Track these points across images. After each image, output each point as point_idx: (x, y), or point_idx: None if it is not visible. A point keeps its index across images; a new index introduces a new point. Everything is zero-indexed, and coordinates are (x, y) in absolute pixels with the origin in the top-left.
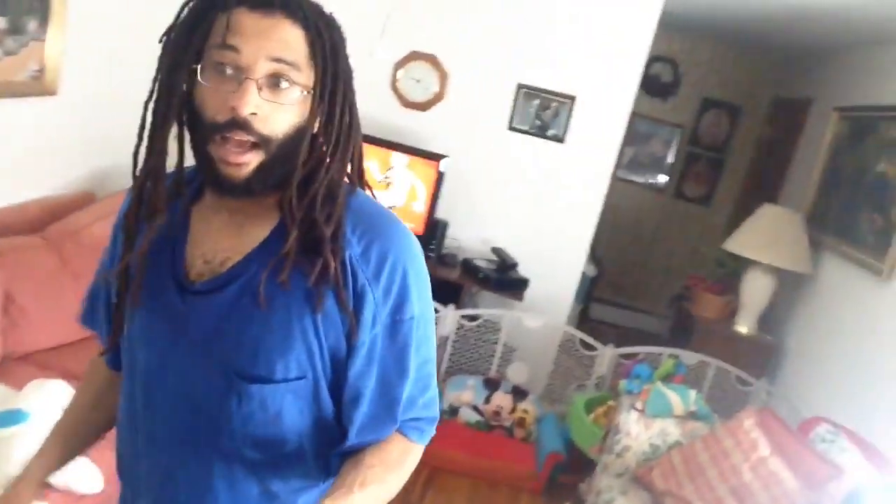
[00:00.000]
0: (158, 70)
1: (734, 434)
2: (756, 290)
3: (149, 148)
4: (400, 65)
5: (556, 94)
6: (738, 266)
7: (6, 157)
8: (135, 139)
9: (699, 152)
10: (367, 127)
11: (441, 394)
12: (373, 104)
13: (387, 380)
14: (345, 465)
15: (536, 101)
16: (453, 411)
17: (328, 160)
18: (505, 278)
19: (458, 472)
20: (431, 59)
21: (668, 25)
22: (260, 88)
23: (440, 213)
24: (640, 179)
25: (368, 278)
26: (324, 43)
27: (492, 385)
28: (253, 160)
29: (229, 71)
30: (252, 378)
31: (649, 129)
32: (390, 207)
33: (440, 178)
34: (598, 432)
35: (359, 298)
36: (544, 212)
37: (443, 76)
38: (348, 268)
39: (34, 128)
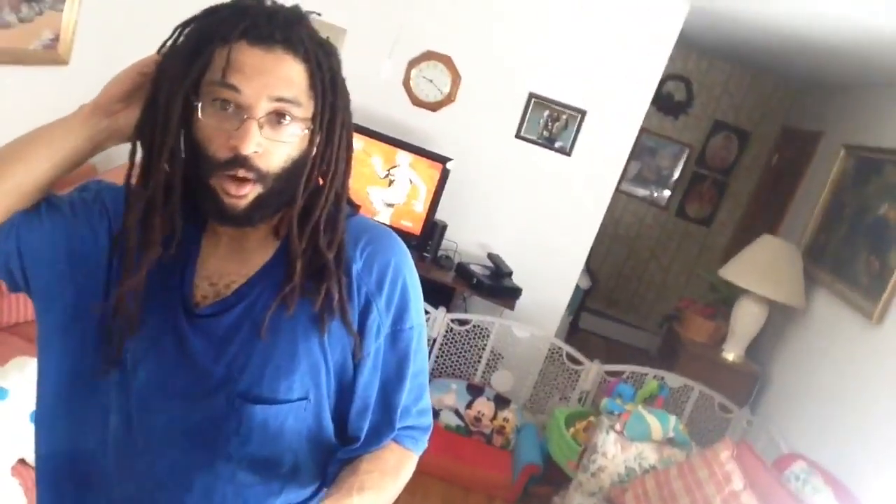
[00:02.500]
0: (154, 95)
1: (709, 465)
2: (747, 319)
3: (144, 177)
4: (414, 63)
5: (567, 107)
6: (731, 293)
7: (16, 126)
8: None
9: (705, 173)
10: (374, 122)
11: None
12: (383, 100)
13: (387, 388)
14: (342, 471)
15: (546, 112)
16: (435, 413)
17: (327, 187)
18: (498, 285)
19: (433, 474)
20: (446, 60)
21: (686, 44)
22: (261, 126)
23: (440, 215)
24: (643, 193)
25: (371, 291)
26: (323, 75)
27: (475, 391)
28: (251, 192)
29: (230, 108)
30: (255, 399)
31: (656, 144)
32: (390, 205)
33: (443, 179)
34: (575, 447)
35: (363, 311)
36: (544, 223)
37: (455, 78)
38: (354, 284)
39: (43, 97)
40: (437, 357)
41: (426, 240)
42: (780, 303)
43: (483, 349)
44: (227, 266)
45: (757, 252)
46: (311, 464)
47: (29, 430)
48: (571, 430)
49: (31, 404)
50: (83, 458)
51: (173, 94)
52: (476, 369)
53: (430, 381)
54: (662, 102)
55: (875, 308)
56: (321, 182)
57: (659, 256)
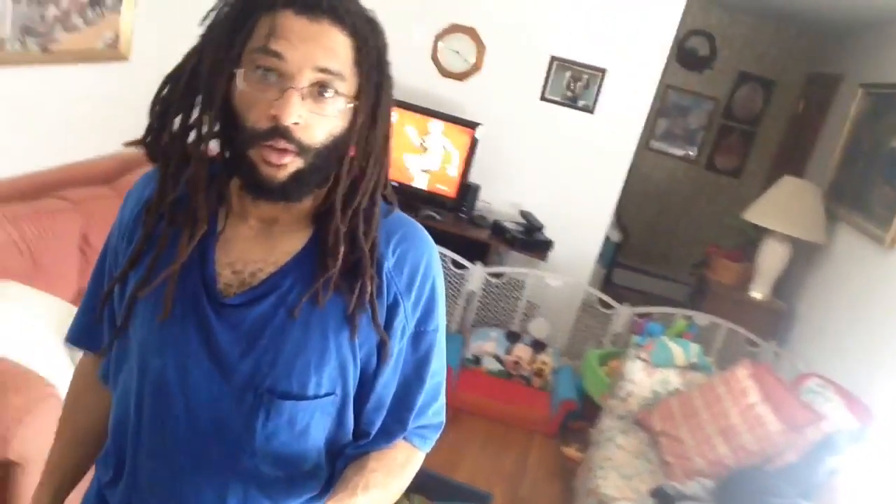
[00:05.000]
0: (196, 64)
1: (728, 383)
2: (771, 258)
3: (188, 153)
4: (440, 36)
5: (588, 67)
6: (756, 235)
7: (85, 116)
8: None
9: (732, 125)
10: (407, 94)
11: (466, 343)
12: (413, 73)
13: (405, 388)
14: (348, 468)
15: (568, 73)
16: (476, 360)
17: (368, 173)
18: (531, 239)
19: (477, 414)
20: (471, 32)
21: None
22: (303, 98)
23: (472, 178)
24: (672, 150)
25: (401, 291)
26: (370, 51)
27: (513, 337)
28: (292, 164)
29: (272, 77)
30: (283, 394)
31: (684, 102)
32: (426, 171)
33: (474, 144)
34: (608, 383)
35: (391, 310)
36: (572, 178)
37: (480, 48)
38: (384, 282)
39: (109, 90)
40: (478, 309)
41: (461, 201)
42: (802, 240)
43: (519, 300)
44: (252, 252)
45: (779, 194)
46: (327, 459)
47: None
48: (605, 368)
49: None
50: (121, 431)
51: (217, 62)
52: (513, 318)
53: (471, 331)
54: (686, 58)
55: (888, 234)
56: (361, 167)
57: (690, 210)
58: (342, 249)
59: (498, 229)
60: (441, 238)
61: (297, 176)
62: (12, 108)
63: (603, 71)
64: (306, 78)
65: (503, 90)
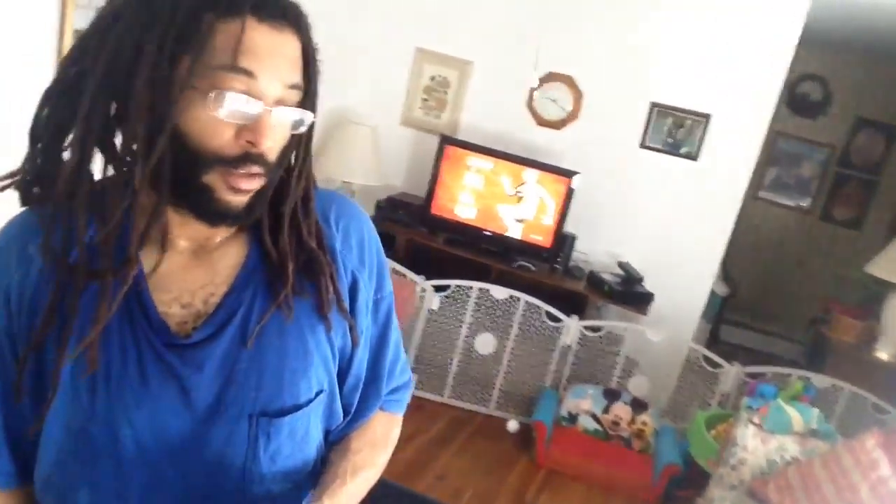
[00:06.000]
0: (116, 77)
1: (854, 453)
2: None
3: (123, 184)
4: (537, 85)
5: (691, 113)
6: (881, 290)
7: None
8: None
9: (850, 173)
10: (501, 143)
11: (561, 401)
12: (508, 121)
13: (374, 358)
14: (332, 454)
15: (670, 120)
16: (572, 418)
17: (302, 169)
18: (630, 291)
19: (573, 476)
20: (567, 80)
21: (817, 41)
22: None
23: (569, 228)
24: (782, 200)
25: (356, 266)
26: (313, 53)
27: (611, 395)
28: (256, 185)
29: (243, 98)
30: (278, 412)
31: (795, 149)
32: (520, 220)
33: (570, 193)
34: (716, 447)
35: (352, 289)
36: (674, 229)
37: (577, 96)
38: (340, 264)
39: None
40: (573, 364)
41: (557, 252)
42: None
43: (618, 355)
44: (194, 279)
45: None
46: (324, 454)
47: None
48: (713, 432)
49: None
50: None
51: (161, 77)
52: (612, 375)
53: (566, 387)
54: (798, 104)
55: None
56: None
57: (804, 264)
58: (291, 267)
59: (595, 281)
60: (536, 289)
61: (259, 196)
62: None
63: (707, 116)
64: (275, 94)
65: (601, 138)
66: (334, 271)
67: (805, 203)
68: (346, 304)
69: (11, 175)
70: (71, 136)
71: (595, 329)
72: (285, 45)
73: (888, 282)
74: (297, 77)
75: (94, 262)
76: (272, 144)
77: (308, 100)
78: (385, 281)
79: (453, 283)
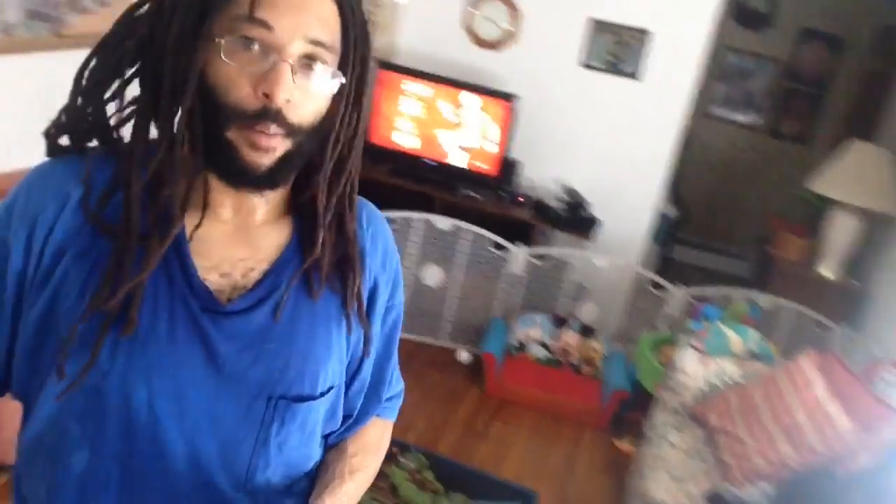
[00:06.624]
0: (151, 31)
1: (791, 375)
2: (841, 232)
3: (155, 136)
4: (473, 3)
5: (630, 29)
6: (825, 206)
7: None
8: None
9: (797, 87)
10: (437, 66)
11: (510, 329)
12: (446, 44)
13: (379, 365)
14: (329, 456)
15: (610, 37)
16: (521, 347)
17: (350, 154)
18: (576, 217)
19: (524, 405)
20: None
21: None
22: (294, 72)
23: (513, 154)
24: (734, 117)
25: (378, 271)
26: (356, 21)
27: (560, 323)
28: (279, 147)
29: (255, 48)
30: (298, 398)
31: (744, 64)
32: (464, 149)
33: (513, 118)
34: (662, 371)
35: (372, 294)
36: (618, 151)
37: (515, 14)
38: (367, 266)
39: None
40: (521, 293)
41: (502, 180)
42: (875, 211)
43: (566, 282)
44: (234, 251)
45: (848, 161)
46: (322, 454)
47: None
48: (658, 355)
49: None
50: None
51: (188, 30)
52: (560, 302)
53: (515, 316)
54: (743, 15)
55: None
56: (341, 151)
57: (755, 181)
58: (322, 234)
59: (541, 208)
60: (482, 219)
61: (285, 160)
62: (24, 96)
63: (647, 32)
64: (296, 50)
65: (541, 58)
66: (362, 271)
67: (754, 119)
68: (365, 294)
69: (64, 123)
70: (114, 87)
71: (542, 257)
72: (312, 2)
73: (831, 199)
74: (324, 35)
75: (139, 218)
76: (289, 99)
77: (345, 65)
78: (398, 290)
79: (396, 214)
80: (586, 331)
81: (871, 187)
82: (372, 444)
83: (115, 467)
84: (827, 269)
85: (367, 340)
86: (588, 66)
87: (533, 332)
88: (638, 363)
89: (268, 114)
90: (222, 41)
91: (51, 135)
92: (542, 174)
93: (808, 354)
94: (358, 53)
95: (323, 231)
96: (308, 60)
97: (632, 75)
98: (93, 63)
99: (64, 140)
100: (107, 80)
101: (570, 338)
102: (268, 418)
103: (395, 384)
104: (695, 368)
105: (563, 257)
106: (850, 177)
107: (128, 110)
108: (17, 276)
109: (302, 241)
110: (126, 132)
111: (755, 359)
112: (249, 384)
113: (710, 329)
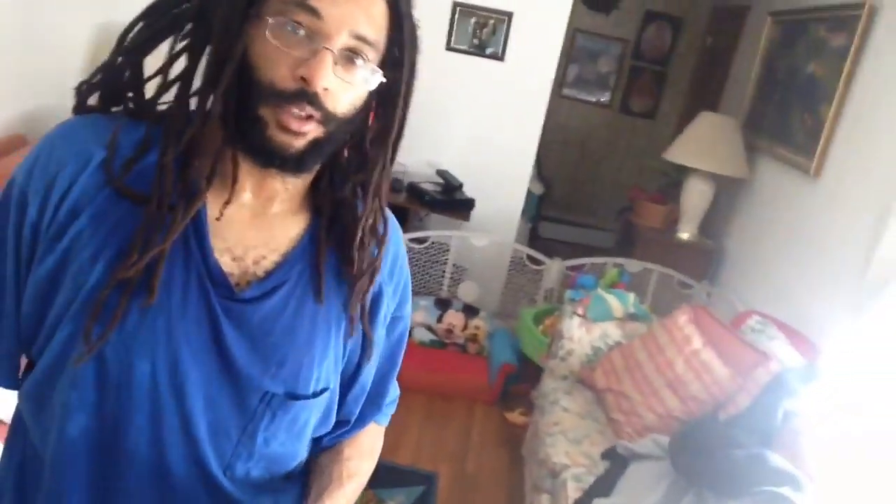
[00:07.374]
0: (209, 3)
1: (669, 331)
2: (696, 197)
3: (191, 106)
4: None
5: (493, 11)
6: (679, 175)
7: None
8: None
9: (643, 66)
10: None
11: None
12: None
13: (381, 374)
14: (324, 459)
15: (473, 20)
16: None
17: (385, 154)
18: (450, 199)
19: (414, 389)
20: None
21: None
22: (335, 62)
23: None
24: (585, 97)
25: (384, 279)
26: (406, 24)
27: (443, 304)
28: (311, 133)
29: (301, 32)
30: (291, 395)
31: (593, 45)
32: None
33: None
34: (546, 342)
35: (375, 300)
36: (487, 131)
37: None
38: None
39: None
40: None
41: None
42: (725, 176)
43: (445, 264)
44: (250, 236)
45: (697, 130)
46: (309, 456)
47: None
48: (541, 327)
49: None
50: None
51: (238, 6)
52: (441, 284)
53: None
54: None
55: (812, 162)
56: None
57: (610, 156)
58: (359, 236)
59: (415, 192)
60: None
61: (316, 145)
62: None
63: (509, 15)
64: (341, 41)
65: None
66: (370, 274)
67: (605, 98)
68: (368, 302)
69: (92, 78)
70: (165, 54)
71: (420, 241)
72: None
73: (684, 166)
74: (370, 32)
75: (171, 187)
76: (328, 87)
77: (389, 66)
78: (406, 302)
79: None
80: (469, 310)
81: (721, 154)
82: (367, 448)
83: (110, 433)
84: (685, 233)
85: (367, 345)
86: (454, 49)
87: (416, 315)
88: (521, 336)
89: (304, 95)
90: (270, 20)
91: (82, 91)
92: (415, 158)
93: (682, 310)
94: (408, 55)
95: (361, 233)
96: (350, 53)
97: (496, 56)
98: (139, 25)
99: (93, 100)
100: (150, 43)
101: (454, 318)
102: (260, 411)
103: (393, 391)
104: (579, 335)
105: (440, 239)
106: (700, 145)
107: (171, 77)
108: (32, 227)
109: (315, 238)
110: (158, 99)
111: (634, 320)
112: (246, 374)
113: (591, 297)
